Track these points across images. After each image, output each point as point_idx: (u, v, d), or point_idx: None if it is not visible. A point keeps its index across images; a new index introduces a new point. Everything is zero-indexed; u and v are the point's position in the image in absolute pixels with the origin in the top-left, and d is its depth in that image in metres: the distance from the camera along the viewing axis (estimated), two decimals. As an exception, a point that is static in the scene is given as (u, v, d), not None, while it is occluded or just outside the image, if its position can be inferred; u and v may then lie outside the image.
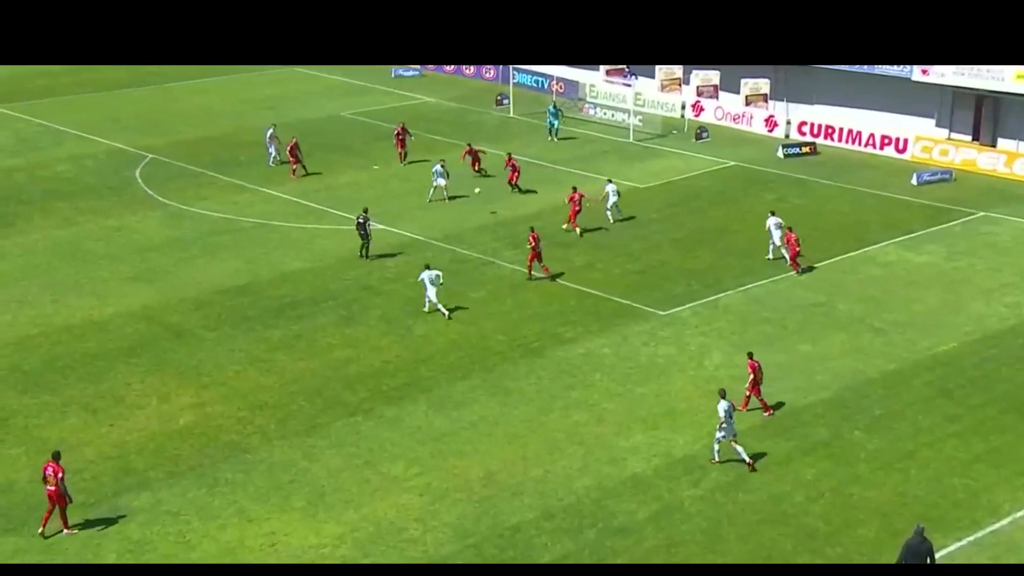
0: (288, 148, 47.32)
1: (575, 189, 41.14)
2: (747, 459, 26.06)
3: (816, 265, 37.96)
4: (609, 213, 42.01)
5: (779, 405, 28.94)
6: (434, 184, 43.99)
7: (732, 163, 50.19)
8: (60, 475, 23.83)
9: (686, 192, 46.14)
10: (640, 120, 54.95)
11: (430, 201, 43.88)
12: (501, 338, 32.93)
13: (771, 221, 38.12)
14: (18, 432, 27.95)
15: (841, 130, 52.57)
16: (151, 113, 58.19)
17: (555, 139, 53.16)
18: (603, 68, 60.93)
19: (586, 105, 58.18)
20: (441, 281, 34.15)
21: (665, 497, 25.18)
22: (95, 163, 49.71)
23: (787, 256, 37.21)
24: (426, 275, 34.10)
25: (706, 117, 56.69)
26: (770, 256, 38.18)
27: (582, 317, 34.36)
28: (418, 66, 67.27)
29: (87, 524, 24.38)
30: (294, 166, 47.13)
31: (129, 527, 24.30)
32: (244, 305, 35.18)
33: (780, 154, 51.01)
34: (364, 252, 38.43)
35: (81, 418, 28.55)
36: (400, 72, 66.42)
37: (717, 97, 57.50)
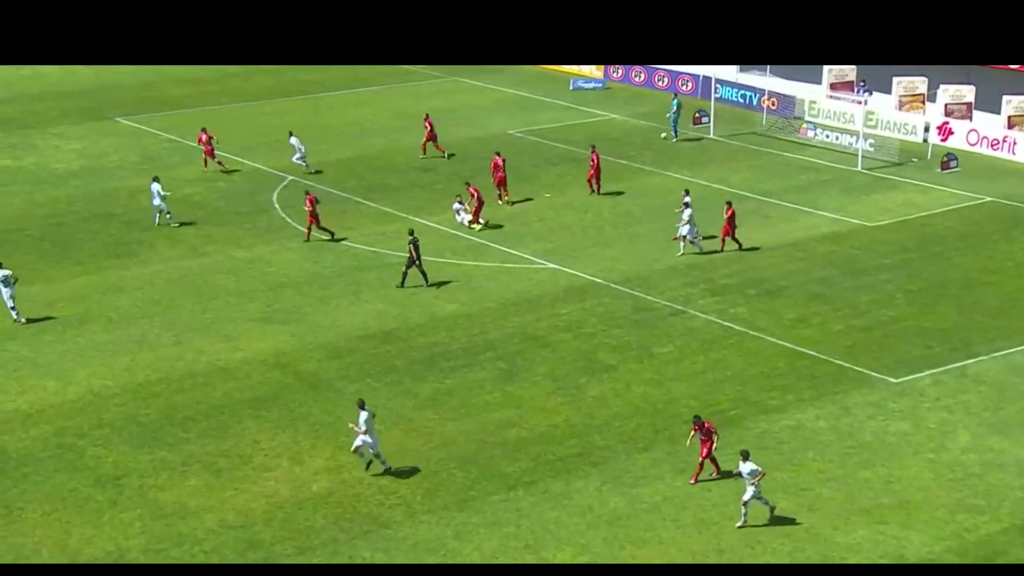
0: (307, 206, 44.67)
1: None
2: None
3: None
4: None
5: (1043, 503, 27.97)
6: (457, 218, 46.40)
7: (987, 199, 48.88)
8: None
9: (926, 234, 45.20)
10: (872, 144, 54.14)
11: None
12: (692, 404, 32.80)
13: (686, 199, 43.38)
14: (132, 493, 29.23)
15: None
16: (295, 128, 60.15)
17: (673, 139, 56.11)
18: (826, 81, 60.38)
19: (804, 126, 57.65)
20: (15, 282, 38.22)
21: (891, 608, 24.65)
22: (228, 184, 52.00)
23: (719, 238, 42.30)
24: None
25: (955, 142, 55.43)
26: (681, 250, 42.70)
27: (792, 382, 33.96)
28: (602, 76, 68.05)
29: (204, 601, 25.38)
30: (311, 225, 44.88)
31: (251, 608, 25.20)
32: (390, 354, 36.10)
33: (1051, 188, 49.61)
34: (423, 278, 40.26)
35: (203, 479, 29.75)
36: (580, 84, 67.31)
37: (971, 117, 56.18)
